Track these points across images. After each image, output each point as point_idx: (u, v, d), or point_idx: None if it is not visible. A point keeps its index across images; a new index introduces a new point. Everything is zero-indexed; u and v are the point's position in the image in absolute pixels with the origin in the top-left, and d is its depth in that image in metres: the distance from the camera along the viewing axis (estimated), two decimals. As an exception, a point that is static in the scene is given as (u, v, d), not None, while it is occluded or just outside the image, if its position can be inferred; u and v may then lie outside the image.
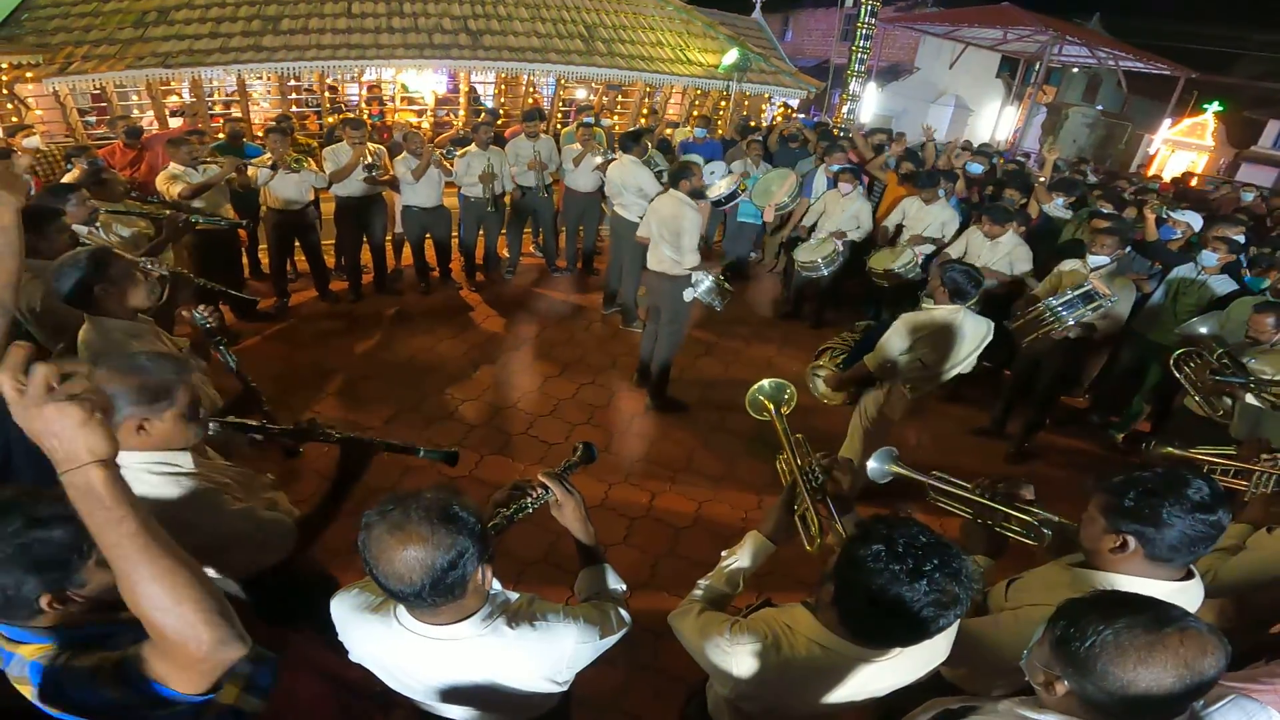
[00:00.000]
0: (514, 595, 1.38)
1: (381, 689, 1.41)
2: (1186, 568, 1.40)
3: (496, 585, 1.30)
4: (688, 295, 4.00)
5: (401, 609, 1.24)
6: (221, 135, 5.71)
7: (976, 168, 6.41)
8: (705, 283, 3.94)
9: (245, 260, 5.57)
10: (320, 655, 1.52)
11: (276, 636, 1.53)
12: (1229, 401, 2.95)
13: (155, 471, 1.49)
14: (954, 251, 4.68)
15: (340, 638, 1.34)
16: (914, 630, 1.15)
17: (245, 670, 1.17)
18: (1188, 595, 1.39)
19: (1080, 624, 1.01)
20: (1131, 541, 1.35)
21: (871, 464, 1.89)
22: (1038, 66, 12.95)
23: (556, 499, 1.47)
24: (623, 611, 1.48)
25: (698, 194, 4.00)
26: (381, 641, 1.28)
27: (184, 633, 0.85)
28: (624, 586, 1.57)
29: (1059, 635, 1.04)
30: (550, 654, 1.30)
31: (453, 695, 1.33)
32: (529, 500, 1.46)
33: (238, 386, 2.32)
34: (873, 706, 1.39)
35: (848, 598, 1.20)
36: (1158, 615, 0.98)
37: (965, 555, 1.15)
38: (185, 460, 1.53)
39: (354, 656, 1.35)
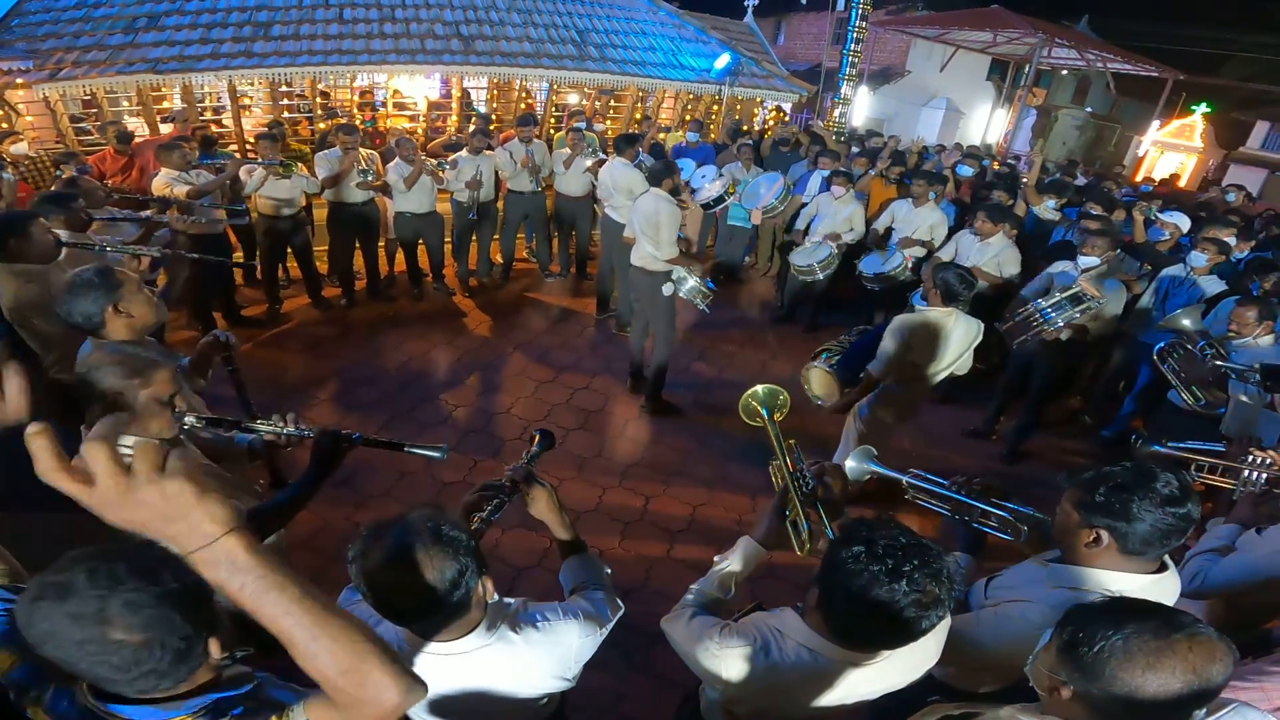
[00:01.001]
0: (509, 600, 1.38)
1: None
2: (1160, 560, 1.42)
3: (494, 594, 1.30)
4: (666, 290, 4.02)
5: (406, 633, 1.22)
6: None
7: (966, 170, 6.46)
8: (689, 281, 3.97)
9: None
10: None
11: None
12: (1219, 393, 2.96)
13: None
14: (944, 254, 4.71)
15: None
16: (897, 632, 1.15)
17: None
18: (1162, 587, 1.40)
19: (1089, 629, 1.01)
20: (1105, 536, 1.36)
21: (850, 463, 1.90)
22: (1027, 69, 13.04)
23: (530, 494, 1.50)
24: (615, 598, 1.49)
25: (676, 191, 4.02)
26: None
27: (373, 691, 0.78)
28: (608, 569, 1.58)
29: (1066, 640, 1.04)
30: (558, 652, 1.31)
31: (461, 709, 1.32)
32: (502, 499, 1.47)
33: (231, 402, 2.32)
34: (866, 709, 1.40)
35: (830, 600, 1.20)
36: (1167, 621, 0.98)
37: (946, 555, 1.16)
38: None
39: None
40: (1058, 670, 1.04)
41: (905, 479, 1.80)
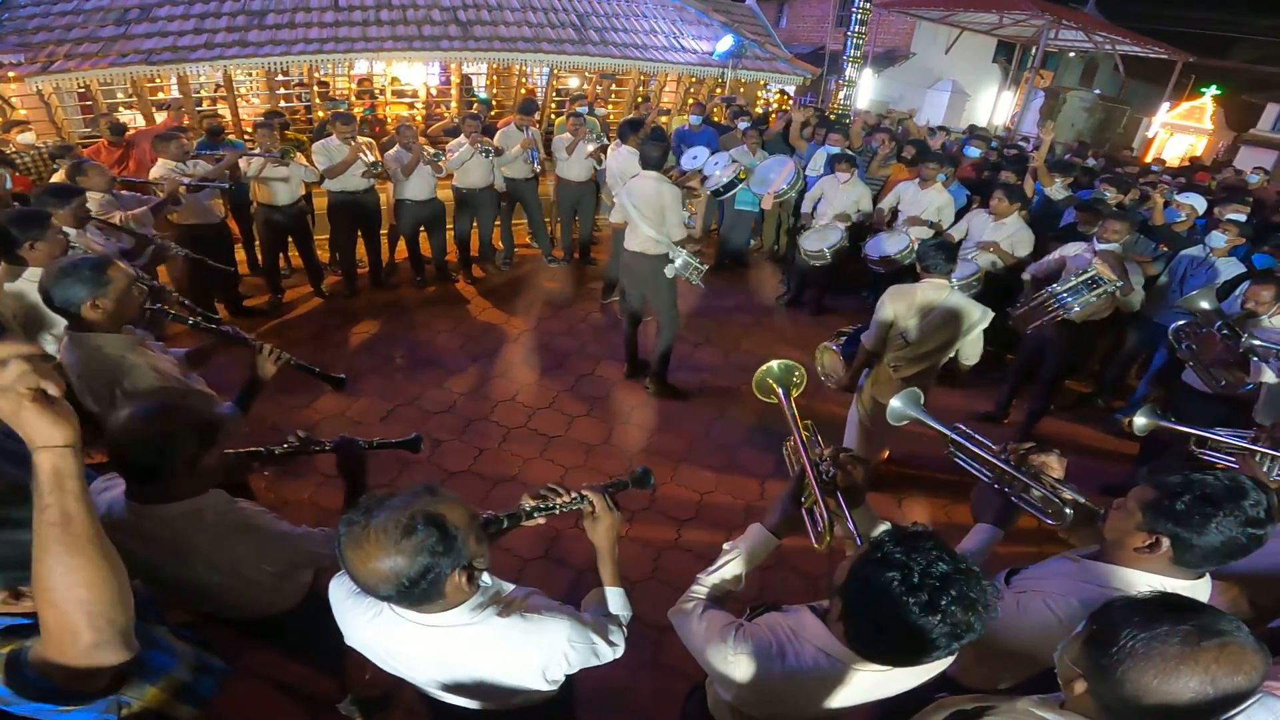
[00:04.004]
0: (510, 587, 1.35)
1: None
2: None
3: (487, 579, 1.26)
4: (669, 272, 3.97)
5: None
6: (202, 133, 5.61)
7: (974, 151, 6.35)
8: (680, 258, 3.92)
9: (243, 255, 5.51)
10: (282, 668, 1.52)
11: (236, 649, 1.53)
12: (1240, 374, 2.88)
13: (223, 514, 1.52)
14: (955, 233, 4.66)
15: (337, 622, 1.33)
16: (923, 655, 1.10)
17: (181, 677, 1.16)
18: (1197, 593, 1.34)
19: (1116, 626, 0.96)
20: (1164, 543, 1.28)
21: (894, 403, 1.83)
22: (1034, 51, 12.83)
23: (593, 511, 1.43)
24: (620, 632, 1.44)
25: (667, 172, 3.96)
26: (373, 627, 1.26)
27: (64, 626, 0.86)
28: (629, 613, 1.52)
29: (1092, 633, 0.99)
30: (540, 647, 1.27)
31: (446, 681, 1.31)
32: (558, 503, 1.41)
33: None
34: (872, 705, 1.35)
35: (856, 620, 1.13)
36: (1203, 626, 0.92)
37: (986, 581, 1.07)
38: (230, 499, 1.57)
39: (349, 642, 1.34)
40: (1078, 662, 0.99)
41: (950, 433, 1.72)
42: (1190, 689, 0.88)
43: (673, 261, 3.94)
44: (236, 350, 2.23)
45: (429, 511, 1.09)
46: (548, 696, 1.42)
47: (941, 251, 2.91)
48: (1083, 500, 1.51)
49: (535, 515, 1.39)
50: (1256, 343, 2.72)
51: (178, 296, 2.86)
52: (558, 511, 1.41)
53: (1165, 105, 14.97)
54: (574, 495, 1.43)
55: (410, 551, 1.06)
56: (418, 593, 1.09)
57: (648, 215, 3.86)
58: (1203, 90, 15.88)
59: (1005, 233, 4.35)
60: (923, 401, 1.88)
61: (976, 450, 1.66)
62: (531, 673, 1.29)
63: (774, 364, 1.78)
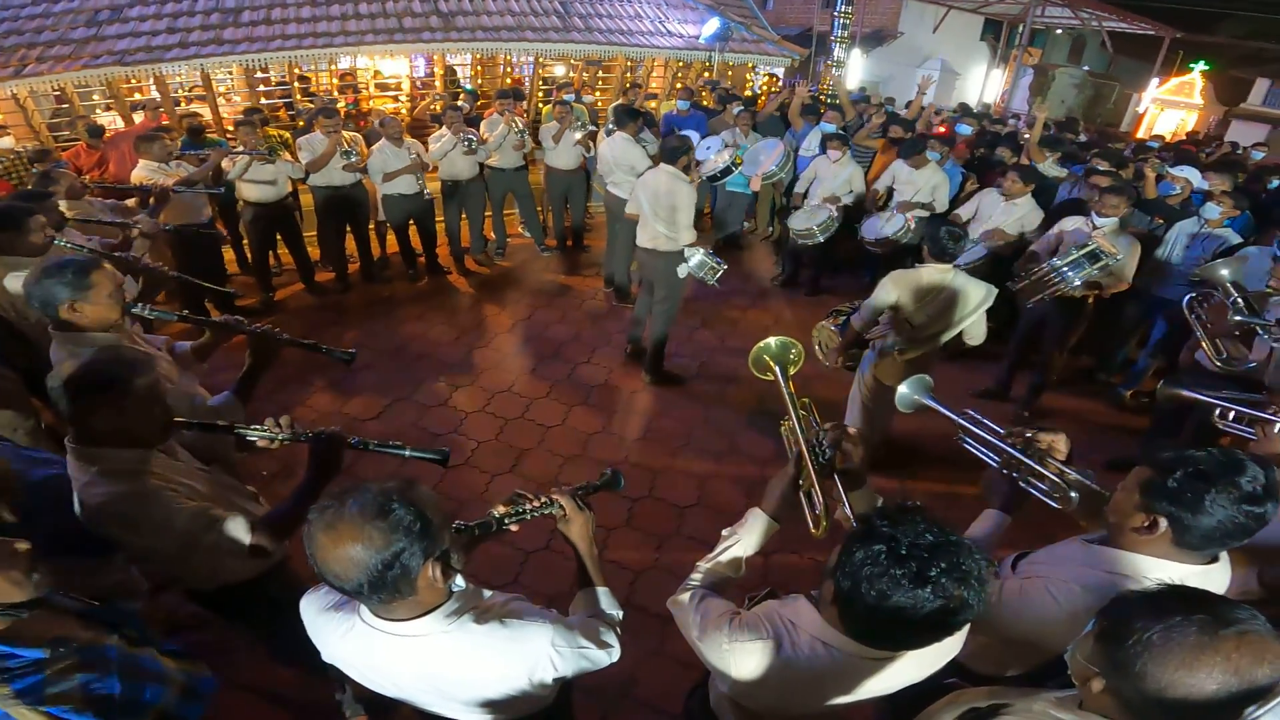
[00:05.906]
0: (489, 592, 1.31)
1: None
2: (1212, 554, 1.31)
3: (461, 582, 1.22)
4: (681, 272, 3.91)
5: (363, 606, 1.17)
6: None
7: (966, 129, 6.31)
8: (696, 257, 3.85)
9: (232, 254, 5.41)
10: (272, 675, 1.52)
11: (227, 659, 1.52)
12: (1243, 348, 2.86)
13: (110, 469, 1.50)
14: (964, 213, 4.61)
15: (311, 639, 1.28)
16: (919, 636, 1.07)
17: (170, 708, 1.16)
18: (1210, 580, 1.30)
19: (1128, 619, 0.93)
20: (1162, 523, 1.25)
21: (902, 389, 1.80)
22: (1021, 28, 12.79)
23: (564, 513, 1.43)
24: (613, 633, 1.39)
25: (688, 169, 3.87)
26: (347, 640, 1.21)
27: None
28: (620, 613, 1.48)
29: (1104, 628, 0.96)
30: (523, 653, 1.22)
31: (433, 692, 1.26)
32: (528, 508, 1.40)
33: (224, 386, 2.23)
34: (882, 698, 1.31)
35: (848, 601, 1.09)
36: (1218, 615, 0.88)
37: (977, 553, 1.04)
38: (143, 459, 1.54)
39: (326, 658, 1.28)
40: (1093, 660, 0.96)
41: (959, 419, 1.68)
42: (1214, 679, 0.85)
43: (687, 261, 3.86)
44: (241, 344, 2.19)
45: (406, 495, 1.07)
46: (546, 702, 1.38)
47: (949, 237, 2.84)
48: (1089, 483, 1.47)
49: (506, 523, 1.37)
50: (1238, 318, 2.71)
51: (176, 274, 2.82)
52: (529, 517, 1.40)
53: (1154, 81, 14.93)
54: (544, 500, 1.42)
55: (385, 530, 1.02)
56: (390, 579, 1.04)
57: (659, 213, 3.80)
58: (1191, 66, 15.82)
59: (1017, 213, 4.33)
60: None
61: (984, 435, 1.63)
62: (517, 680, 1.24)
63: (771, 340, 1.74)
